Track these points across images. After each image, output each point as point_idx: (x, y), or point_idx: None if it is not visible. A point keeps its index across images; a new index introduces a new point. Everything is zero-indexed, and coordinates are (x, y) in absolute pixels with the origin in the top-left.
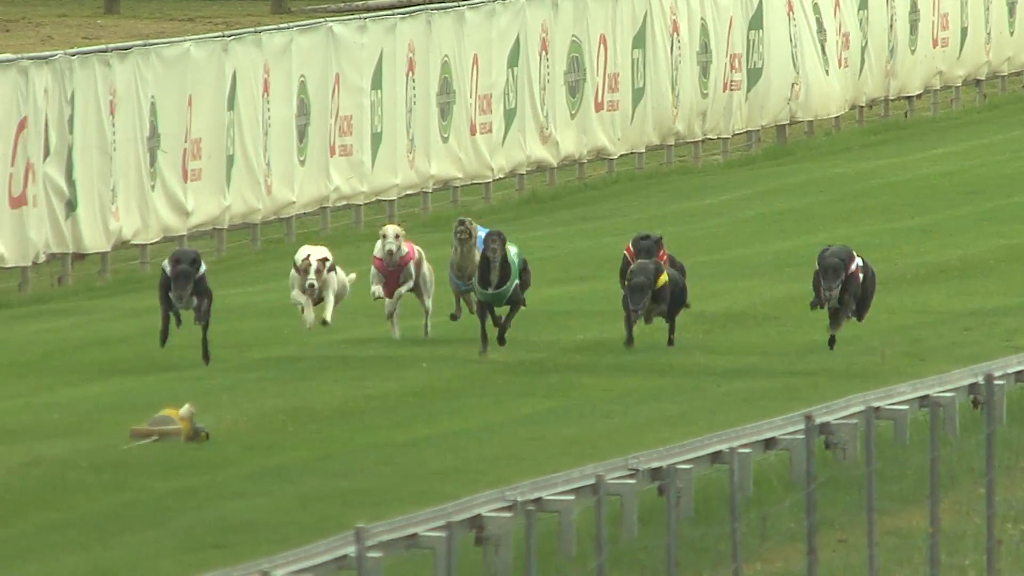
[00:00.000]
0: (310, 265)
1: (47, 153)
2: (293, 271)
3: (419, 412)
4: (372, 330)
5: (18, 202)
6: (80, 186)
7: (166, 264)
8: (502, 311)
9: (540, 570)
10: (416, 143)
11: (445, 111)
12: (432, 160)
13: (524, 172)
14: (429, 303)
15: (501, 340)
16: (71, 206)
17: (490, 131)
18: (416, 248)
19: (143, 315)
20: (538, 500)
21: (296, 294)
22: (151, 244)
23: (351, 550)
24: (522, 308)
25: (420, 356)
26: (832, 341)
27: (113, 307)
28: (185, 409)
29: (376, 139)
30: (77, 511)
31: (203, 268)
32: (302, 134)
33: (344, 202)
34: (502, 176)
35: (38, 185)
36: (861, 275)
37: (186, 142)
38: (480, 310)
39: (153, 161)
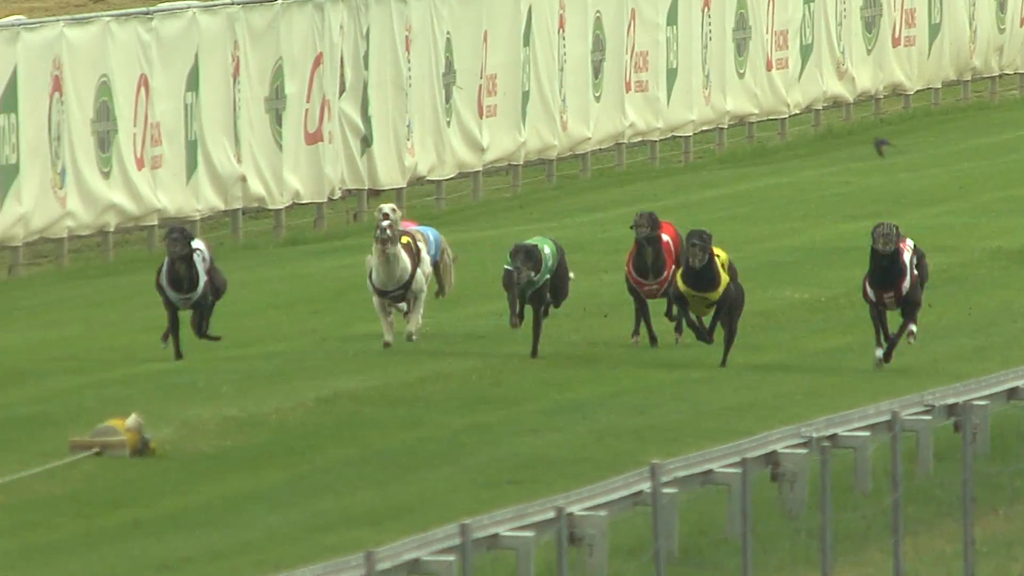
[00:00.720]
0: (386, 216)
1: (342, 89)
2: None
3: (713, 348)
4: None
5: (314, 138)
6: (375, 122)
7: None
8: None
9: (835, 506)
10: (712, 79)
11: (741, 47)
12: (728, 96)
13: (820, 108)
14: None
15: (534, 353)
16: (366, 142)
17: (786, 67)
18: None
19: None
20: (833, 436)
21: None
22: (446, 180)
23: (646, 486)
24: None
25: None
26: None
27: None
28: (132, 420)
29: (671, 75)
30: (373, 447)
31: (204, 250)
32: (597, 70)
33: (639, 138)
34: (798, 112)
35: (333, 121)
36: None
37: (481, 78)
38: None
39: (448, 97)
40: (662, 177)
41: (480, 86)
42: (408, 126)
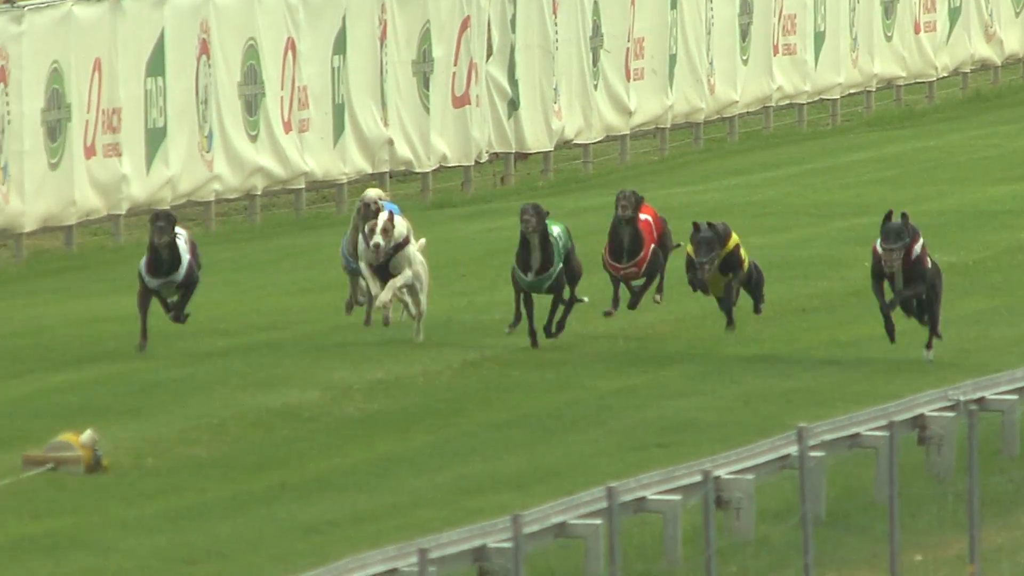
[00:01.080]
0: (376, 224)
1: (490, 52)
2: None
3: (862, 311)
4: (814, 229)
5: (461, 101)
6: (522, 85)
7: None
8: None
9: (982, 470)
10: (859, 41)
11: (889, 9)
12: (875, 58)
13: (968, 71)
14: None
15: (549, 332)
16: (513, 105)
17: (934, 29)
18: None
19: (584, 215)
20: (981, 400)
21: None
22: (593, 143)
23: (793, 449)
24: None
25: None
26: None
27: (555, 206)
28: (87, 435)
29: (819, 38)
30: (519, 410)
31: (186, 238)
32: (745, 33)
33: (787, 101)
34: (945, 75)
35: (480, 84)
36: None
37: (628, 41)
38: (521, 301)
39: (596, 60)
40: (809, 140)
41: (627, 49)
42: (555, 89)
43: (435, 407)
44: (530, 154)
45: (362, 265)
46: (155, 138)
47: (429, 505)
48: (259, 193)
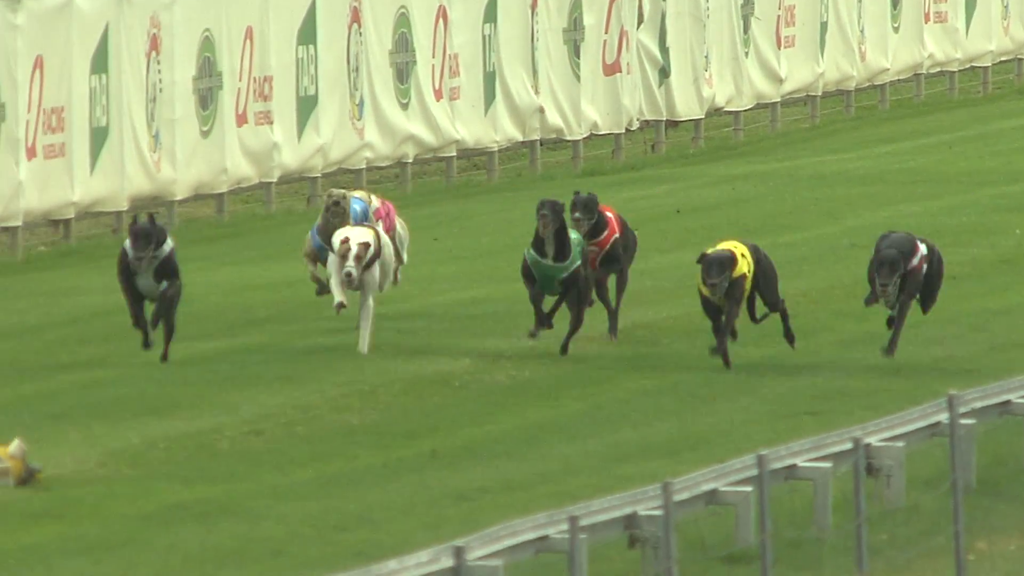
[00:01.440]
0: (349, 250)
1: (640, 20)
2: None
3: (1013, 279)
4: (964, 197)
5: (612, 69)
6: (673, 53)
7: (126, 243)
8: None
9: None
10: (1011, 9)
11: None
12: None
13: None
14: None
15: (566, 346)
16: (664, 73)
17: None
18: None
19: (736, 182)
20: None
21: (335, 283)
22: (744, 111)
23: (943, 417)
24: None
25: (1013, 224)
26: (891, 346)
27: (705, 174)
28: (15, 446)
29: (970, 5)
30: (670, 378)
31: (170, 245)
32: (895, 0)
33: (937, 69)
34: None
35: (631, 52)
36: (925, 266)
37: (779, 9)
38: (534, 293)
39: (746, 28)
40: (960, 108)
41: (778, 16)
42: (706, 57)
43: (585, 375)
44: (681, 122)
45: (332, 274)
46: (306, 106)
47: (579, 472)
48: (410, 161)
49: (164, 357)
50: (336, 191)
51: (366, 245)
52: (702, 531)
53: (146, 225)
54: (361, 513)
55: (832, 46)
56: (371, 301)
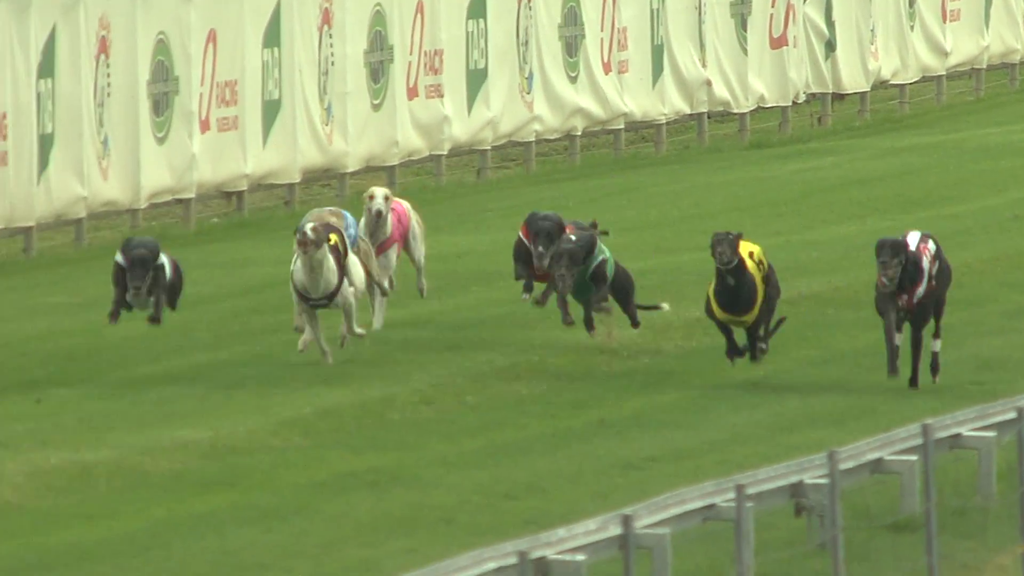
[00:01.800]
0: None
1: None
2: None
3: None
4: None
5: (778, 43)
6: (839, 26)
7: (119, 256)
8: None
9: None
10: None
11: None
12: None
13: None
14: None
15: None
16: (830, 46)
17: None
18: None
19: (901, 154)
20: None
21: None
22: (909, 84)
23: None
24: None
25: None
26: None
27: (871, 146)
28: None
29: None
30: (836, 348)
31: (162, 259)
32: None
33: None
34: None
35: (798, 25)
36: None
37: None
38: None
39: (912, 2)
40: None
41: None
42: (871, 30)
43: None
44: (847, 94)
45: (294, 296)
46: (476, 79)
47: (746, 441)
48: (579, 134)
49: (156, 319)
50: (309, 222)
51: (387, 197)
52: (867, 499)
53: (143, 253)
54: (530, 482)
55: (997, 19)
56: (385, 284)
